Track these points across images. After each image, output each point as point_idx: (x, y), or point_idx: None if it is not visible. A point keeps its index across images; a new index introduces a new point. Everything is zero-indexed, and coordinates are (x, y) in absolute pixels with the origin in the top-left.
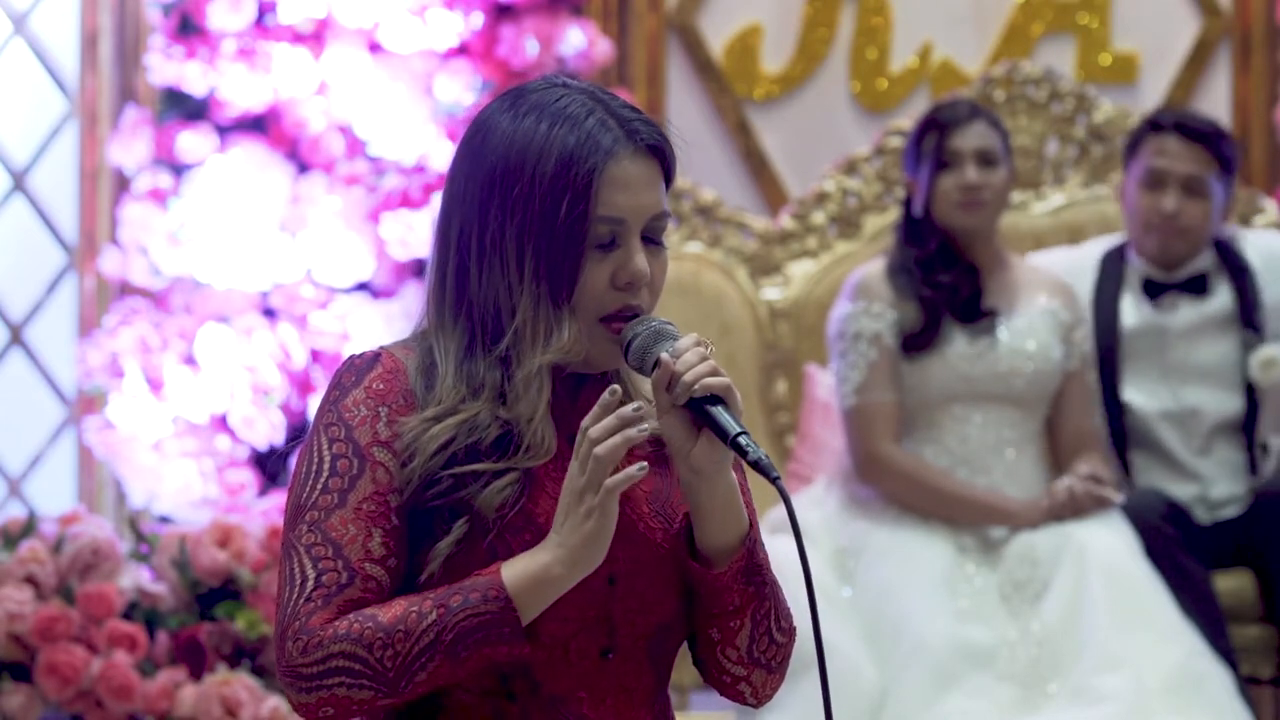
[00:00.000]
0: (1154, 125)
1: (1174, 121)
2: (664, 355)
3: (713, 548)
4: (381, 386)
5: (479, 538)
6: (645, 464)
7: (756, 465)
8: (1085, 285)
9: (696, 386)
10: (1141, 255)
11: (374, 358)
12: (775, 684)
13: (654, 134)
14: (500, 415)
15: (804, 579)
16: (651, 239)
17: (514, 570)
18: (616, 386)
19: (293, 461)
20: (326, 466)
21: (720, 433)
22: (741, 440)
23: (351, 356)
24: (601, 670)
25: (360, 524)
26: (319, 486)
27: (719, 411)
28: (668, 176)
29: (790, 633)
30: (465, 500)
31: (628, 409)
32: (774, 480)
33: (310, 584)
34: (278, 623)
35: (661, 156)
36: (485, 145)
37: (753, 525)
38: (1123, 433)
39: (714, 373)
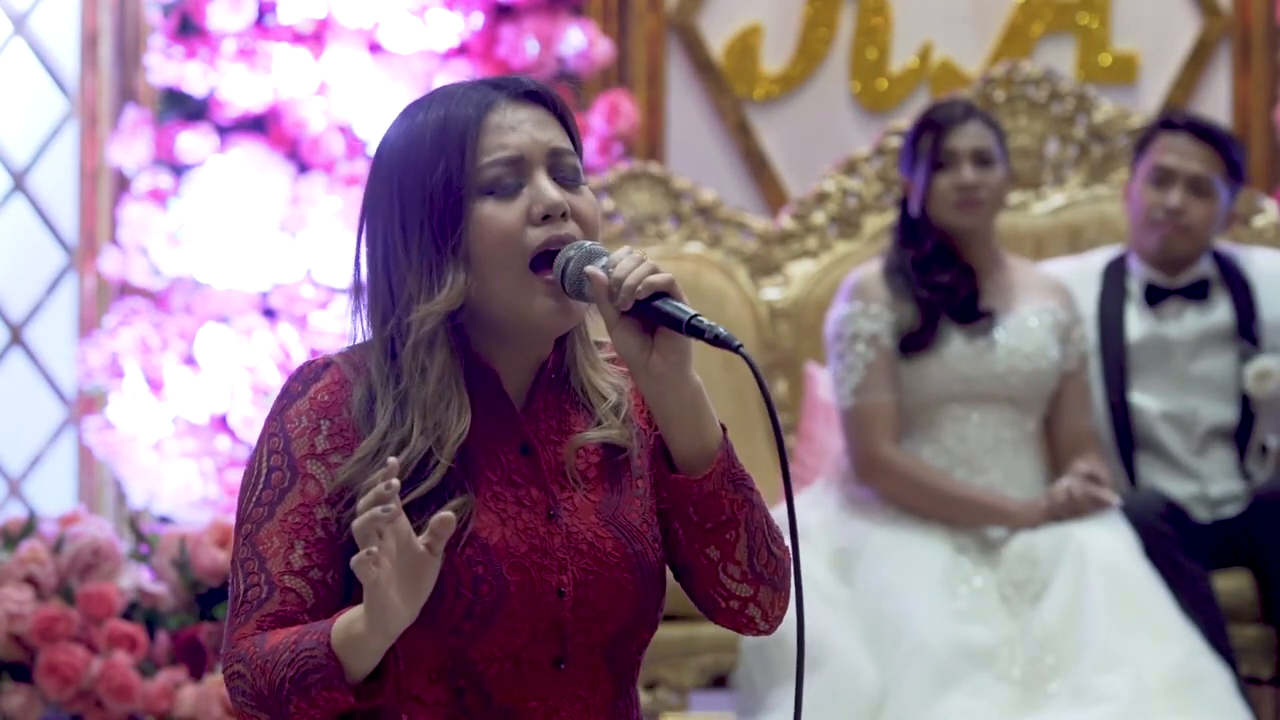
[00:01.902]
0: (1165, 124)
1: (1185, 121)
2: (592, 269)
3: (691, 456)
4: (326, 398)
5: None
6: (375, 549)
7: (716, 340)
8: (1089, 295)
9: (639, 287)
10: (1141, 256)
11: (323, 367)
12: (782, 603)
13: (532, 83)
14: (438, 457)
15: (783, 481)
16: (564, 177)
17: (341, 620)
18: (393, 460)
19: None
20: (262, 479)
21: (674, 322)
22: (697, 321)
23: (303, 364)
24: (554, 680)
25: (284, 536)
26: (254, 499)
27: (666, 303)
28: (567, 126)
29: (786, 551)
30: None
31: (382, 485)
32: (737, 349)
33: (239, 599)
34: None
35: (546, 103)
36: (379, 160)
37: (725, 431)
38: (1129, 437)
39: (654, 271)
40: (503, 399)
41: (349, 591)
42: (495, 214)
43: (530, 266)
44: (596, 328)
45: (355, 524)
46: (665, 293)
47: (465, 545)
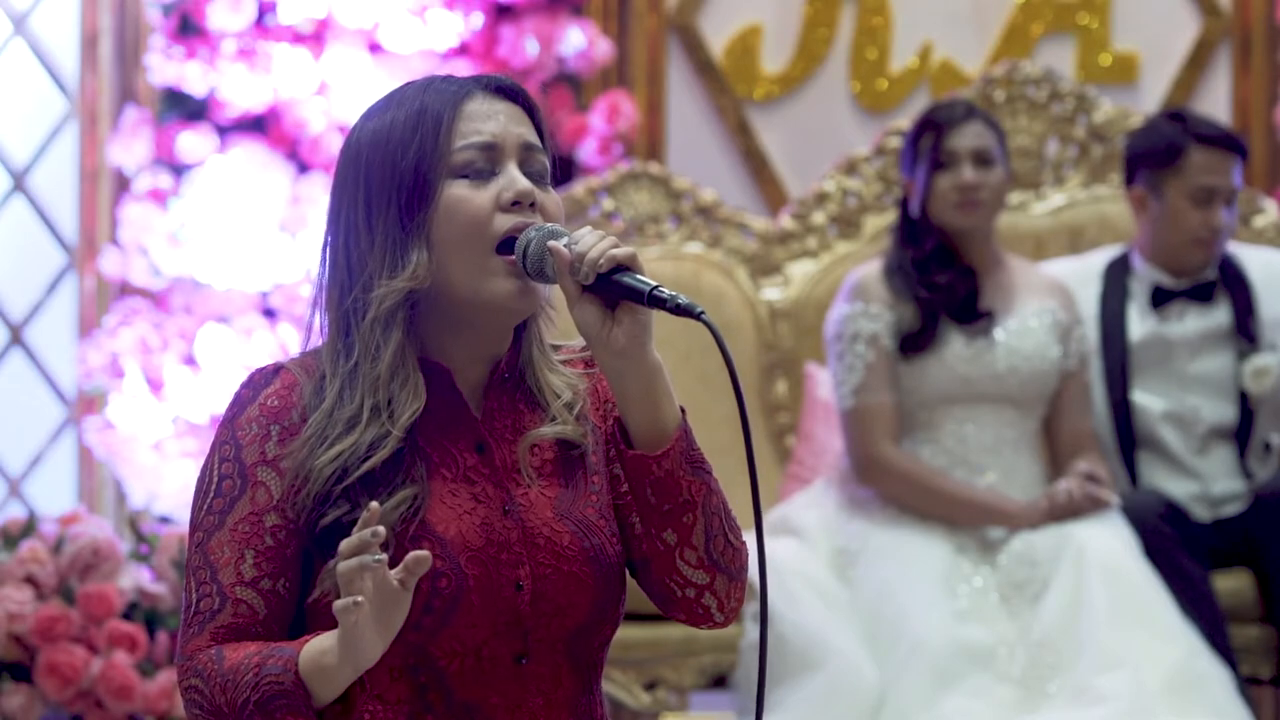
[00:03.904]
0: (1198, 138)
1: (1217, 134)
2: (554, 244)
3: (649, 434)
4: (276, 403)
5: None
6: (360, 598)
7: (678, 309)
8: (1089, 295)
9: (601, 260)
10: (1165, 266)
11: (273, 372)
12: (738, 594)
13: (504, 80)
14: (389, 429)
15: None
16: (533, 173)
17: (309, 649)
18: (375, 504)
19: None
20: (214, 487)
21: (635, 294)
22: (658, 292)
23: (254, 371)
24: (516, 676)
25: (234, 546)
26: (205, 507)
27: (628, 275)
28: (537, 125)
29: (743, 545)
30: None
31: (367, 532)
32: (698, 316)
33: (192, 609)
34: None
35: (519, 100)
36: (346, 155)
37: (684, 413)
38: (1131, 437)
39: (616, 245)
40: (456, 397)
41: (303, 595)
42: (467, 196)
43: (495, 250)
44: (551, 333)
45: (341, 569)
46: (627, 266)
47: (422, 540)
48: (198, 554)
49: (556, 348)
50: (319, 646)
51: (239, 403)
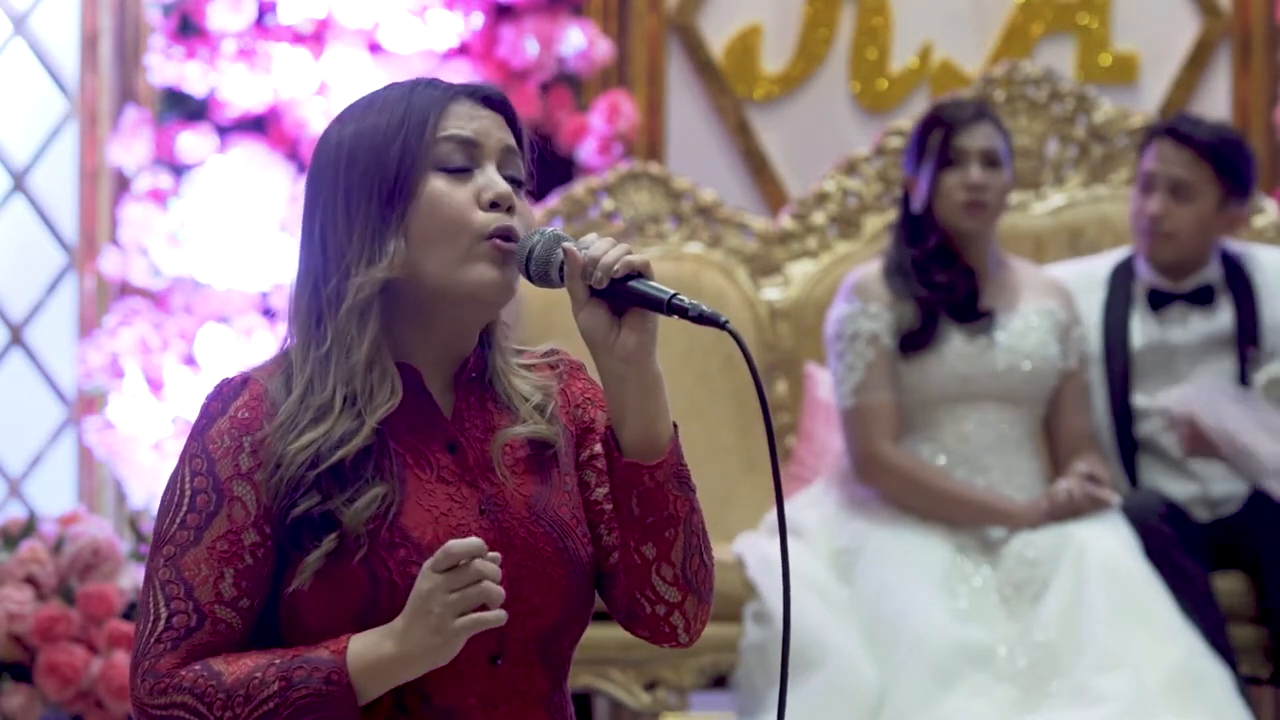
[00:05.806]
0: (1154, 130)
1: (1168, 126)
2: (568, 246)
3: (642, 445)
4: (246, 415)
5: (350, 553)
6: (503, 612)
7: (701, 317)
8: (1094, 301)
9: (617, 266)
10: (1144, 260)
11: (241, 383)
12: (704, 616)
13: (489, 88)
14: (362, 421)
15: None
16: (510, 177)
17: (359, 653)
18: (481, 542)
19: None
20: (187, 501)
21: (654, 303)
22: (678, 300)
23: (221, 382)
24: (492, 677)
25: (213, 564)
26: (177, 521)
27: (644, 282)
28: (517, 136)
29: (713, 567)
30: (334, 513)
31: (497, 590)
32: (723, 325)
33: (161, 624)
34: (132, 654)
35: (501, 109)
36: (322, 157)
37: (676, 429)
38: (1131, 440)
39: (629, 251)
40: (426, 397)
41: (282, 588)
42: (447, 191)
43: (485, 238)
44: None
45: (463, 621)
46: (641, 273)
47: (397, 545)
48: (168, 568)
49: (518, 352)
50: (375, 652)
51: (208, 415)
